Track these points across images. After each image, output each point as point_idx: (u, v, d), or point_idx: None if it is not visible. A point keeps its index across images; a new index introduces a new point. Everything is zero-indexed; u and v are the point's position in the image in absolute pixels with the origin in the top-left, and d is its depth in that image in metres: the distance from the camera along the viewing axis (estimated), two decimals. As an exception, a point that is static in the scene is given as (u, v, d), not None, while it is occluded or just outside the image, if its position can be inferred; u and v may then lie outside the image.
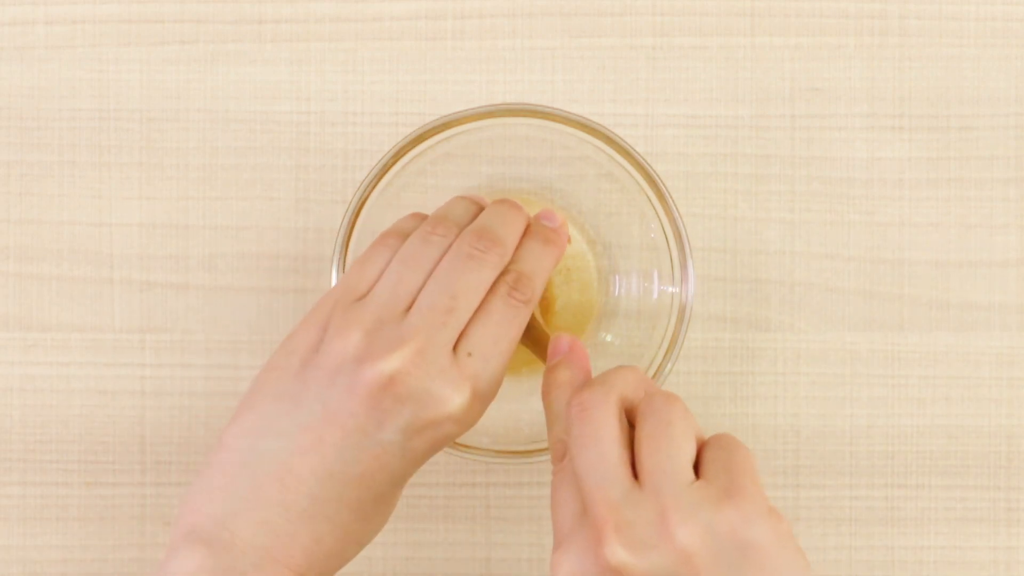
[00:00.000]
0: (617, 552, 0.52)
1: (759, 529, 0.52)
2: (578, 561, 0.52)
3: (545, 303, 0.69)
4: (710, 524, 0.52)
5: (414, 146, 0.66)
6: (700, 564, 0.51)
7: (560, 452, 0.56)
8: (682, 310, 0.65)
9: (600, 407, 0.55)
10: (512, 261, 0.60)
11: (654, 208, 0.65)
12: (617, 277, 0.70)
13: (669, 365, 0.65)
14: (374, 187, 0.66)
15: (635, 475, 0.54)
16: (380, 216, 0.67)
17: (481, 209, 0.62)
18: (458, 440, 0.66)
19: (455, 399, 0.56)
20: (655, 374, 0.65)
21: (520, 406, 0.70)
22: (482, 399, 0.58)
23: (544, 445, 0.66)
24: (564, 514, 0.54)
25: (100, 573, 0.72)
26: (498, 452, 0.66)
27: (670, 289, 0.66)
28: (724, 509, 0.52)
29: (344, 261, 0.66)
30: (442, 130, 0.66)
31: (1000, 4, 0.72)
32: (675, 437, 0.54)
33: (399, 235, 0.61)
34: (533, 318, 0.63)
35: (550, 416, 0.58)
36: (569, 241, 0.65)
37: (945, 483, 0.71)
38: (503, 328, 0.58)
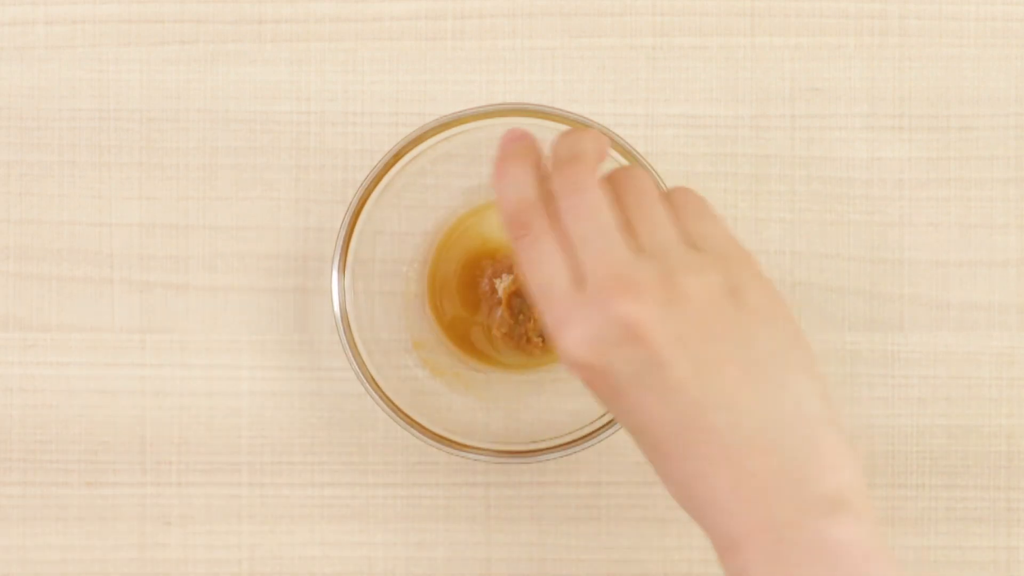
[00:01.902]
0: (631, 307, 0.51)
1: (755, 289, 0.53)
2: (589, 326, 0.51)
3: None
4: (716, 282, 0.52)
5: (414, 146, 0.66)
6: (712, 315, 0.52)
7: (522, 223, 0.54)
8: (682, 310, 0.65)
9: (590, 177, 0.54)
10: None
11: (654, 208, 0.65)
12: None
13: (669, 365, 0.65)
14: (374, 187, 0.66)
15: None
16: (380, 216, 0.67)
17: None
18: (458, 440, 0.66)
19: None
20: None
21: (520, 406, 0.70)
22: None
23: (544, 445, 0.66)
24: (554, 286, 0.53)
25: (100, 573, 0.72)
26: (498, 452, 0.66)
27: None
28: (727, 269, 0.53)
29: (344, 261, 0.66)
30: (442, 130, 0.66)
31: (1000, 4, 0.72)
32: (662, 208, 0.54)
33: None
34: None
35: (512, 192, 0.55)
36: None
37: (945, 483, 0.71)
38: None
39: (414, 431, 0.66)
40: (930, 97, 0.72)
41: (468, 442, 0.66)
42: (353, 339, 0.66)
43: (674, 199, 0.56)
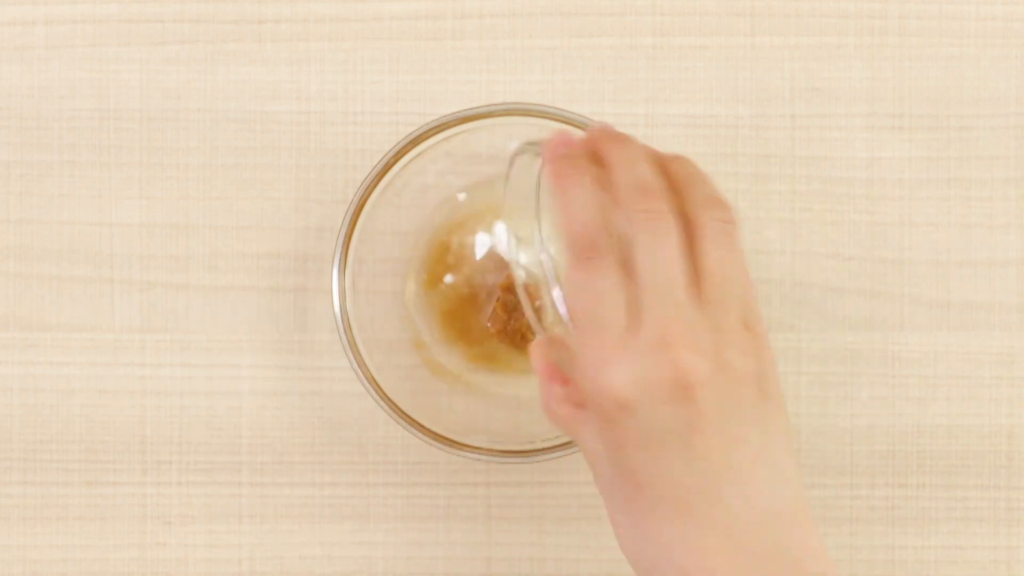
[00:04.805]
0: (691, 362, 0.51)
1: (774, 382, 0.54)
2: (642, 368, 0.51)
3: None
4: (752, 366, 0.53)
5: (414, 146, 0.66)
6: (743, 395, 0.52)
7: (591, 245, 0.53)
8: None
9: (666, 209, 0.53)
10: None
11: (654, 208, 0.65)
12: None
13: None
14: (374, 187, 0.66)
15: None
16: (380, 216, 0.68)
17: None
18: (458, 440, 0.66)
19: None
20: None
21: (520, 406, 0.70)
22: None
23: (544, 445, 0.66)
24: (609, 322, 0.52)
25: (100, 573, 0.72)
26: (498, 452, 0.66)
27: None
28: (761, 357, 0.53)
29: (344, 261, 0.66)
30: (442, 130, 0.66)
31: (1000, 4, 0.72)
32: (742, 257, 0.54)
33: None
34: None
35: (579, 210, 0.53)
36: None
37: (945, 483, 0.71)
38: None
39: (414, 431, 0.66)
40: (930, 97, 0.72)
41: (468, 442, 0.66)
42: (353, 339, 0.66)
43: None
